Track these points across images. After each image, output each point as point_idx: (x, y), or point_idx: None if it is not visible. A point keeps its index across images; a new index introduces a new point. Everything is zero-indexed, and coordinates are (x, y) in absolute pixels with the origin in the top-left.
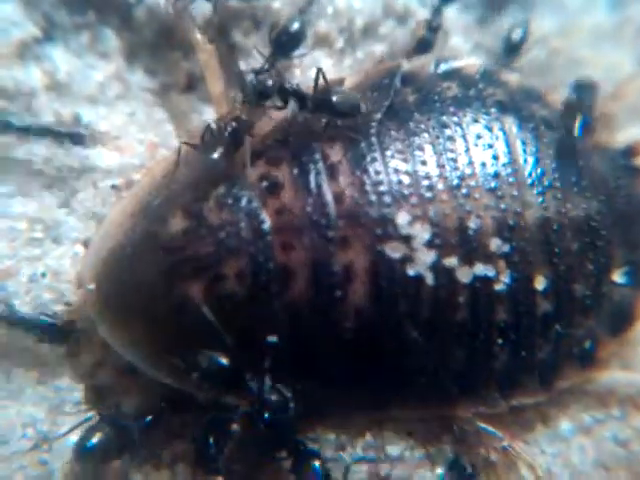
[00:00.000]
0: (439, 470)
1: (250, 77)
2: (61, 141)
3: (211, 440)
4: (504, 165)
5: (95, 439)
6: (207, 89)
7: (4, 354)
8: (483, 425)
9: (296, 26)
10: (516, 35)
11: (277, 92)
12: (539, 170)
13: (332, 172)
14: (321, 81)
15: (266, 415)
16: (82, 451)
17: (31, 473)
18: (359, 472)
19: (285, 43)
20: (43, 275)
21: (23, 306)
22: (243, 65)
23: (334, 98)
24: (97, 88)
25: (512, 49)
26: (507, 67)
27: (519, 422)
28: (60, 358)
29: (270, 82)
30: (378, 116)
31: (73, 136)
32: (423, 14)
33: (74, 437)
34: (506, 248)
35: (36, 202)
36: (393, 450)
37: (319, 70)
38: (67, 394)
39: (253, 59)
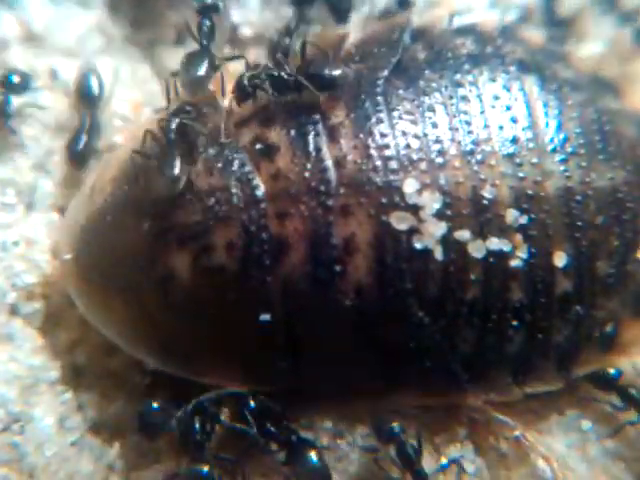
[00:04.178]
0: (444, 460)
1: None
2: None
3: (197, 424)
4: (523, 129)
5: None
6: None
7: None
8: (494, 413)
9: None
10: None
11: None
12: (562, 135)
13: (333, 134)
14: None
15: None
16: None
17: (2, 456)
18: (357, 461)
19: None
20: (15, 244)
21: None
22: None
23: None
24: (76, 40)
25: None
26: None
27: (533, 410)
28: (35, 334)
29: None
30: (385, 73)
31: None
32: None
33: (48, 419)
34: (524, 220)
35: (8, 164)
36: None
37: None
38: (41, 373)
39: None
